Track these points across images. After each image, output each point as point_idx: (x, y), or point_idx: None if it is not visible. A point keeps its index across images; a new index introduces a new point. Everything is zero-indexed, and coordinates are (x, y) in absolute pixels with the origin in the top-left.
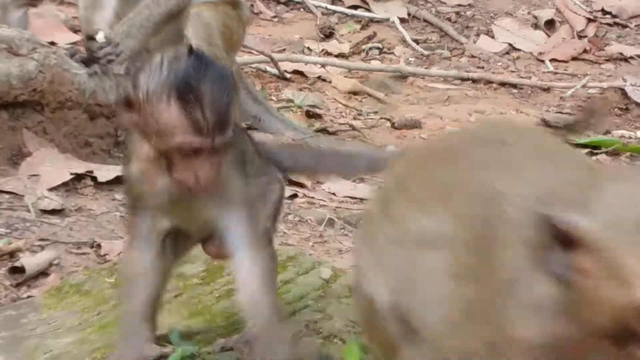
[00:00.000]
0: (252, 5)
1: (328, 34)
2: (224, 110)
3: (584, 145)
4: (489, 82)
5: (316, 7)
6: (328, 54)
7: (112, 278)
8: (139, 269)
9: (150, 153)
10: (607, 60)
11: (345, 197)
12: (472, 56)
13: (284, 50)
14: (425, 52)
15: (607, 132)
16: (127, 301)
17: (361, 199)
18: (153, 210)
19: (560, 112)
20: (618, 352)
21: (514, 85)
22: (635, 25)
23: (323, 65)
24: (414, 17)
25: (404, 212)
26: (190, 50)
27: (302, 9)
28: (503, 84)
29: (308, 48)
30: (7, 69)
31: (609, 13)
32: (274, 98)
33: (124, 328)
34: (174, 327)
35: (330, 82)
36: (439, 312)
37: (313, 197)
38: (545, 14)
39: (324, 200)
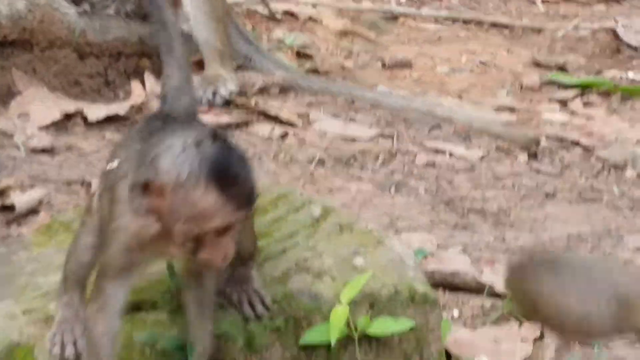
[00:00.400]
0: None
1: None
2: (253, 183)
3: (575, 86)
4: (480, 22)
5: None
6: None
7: None
8: (108, 335)
9: (151, 230)
10: (599, 2)
11: (336, 136)
12: None
13: None
14: None
15: (599, 73)
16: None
17: (352, 139)
18: (131, 279)
19: (552, 53)
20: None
21: (506, 26)
22: None
23: (314, 6)
24: None
25: None
26: (214, 134)
27: None
28: (494, 25)
29: None
30: None
31: None
32: (265, 38)
33: None
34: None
35: (321, 22)
36: None
37: (304, 137)
38: None
39: (315, 140)
